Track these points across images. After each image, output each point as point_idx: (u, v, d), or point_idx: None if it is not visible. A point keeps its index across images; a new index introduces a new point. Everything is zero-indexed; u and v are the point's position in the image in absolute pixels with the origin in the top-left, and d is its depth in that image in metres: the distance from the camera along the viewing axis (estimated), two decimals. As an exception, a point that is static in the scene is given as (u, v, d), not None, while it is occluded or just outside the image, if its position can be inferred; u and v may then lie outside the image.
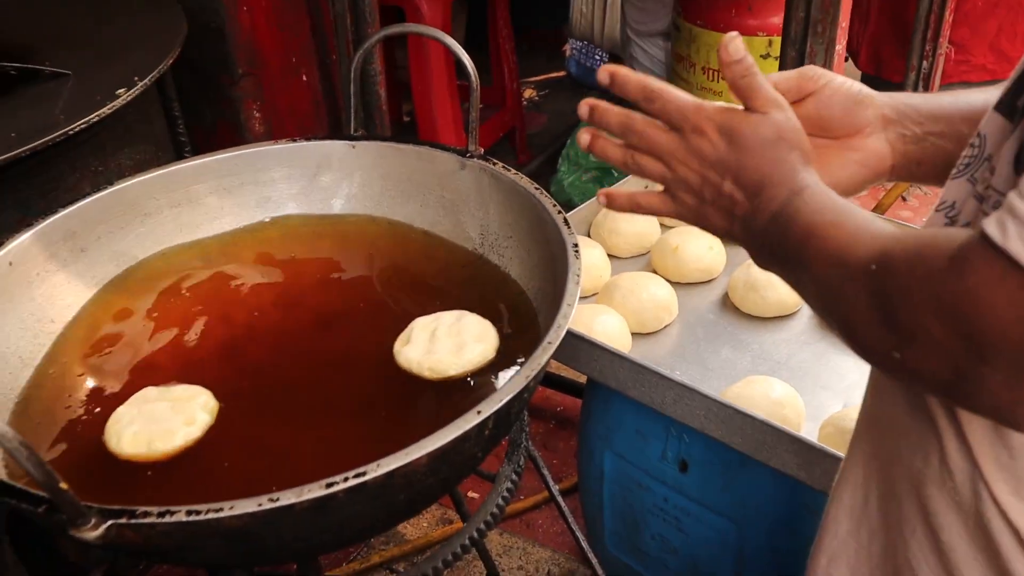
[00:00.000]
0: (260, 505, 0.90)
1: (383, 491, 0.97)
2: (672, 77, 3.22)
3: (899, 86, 3.47)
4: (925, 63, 3.37)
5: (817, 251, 0.83)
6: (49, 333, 1.36)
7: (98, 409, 1.24)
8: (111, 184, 1.46)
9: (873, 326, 0.77)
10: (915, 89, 3.45)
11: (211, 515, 0.90)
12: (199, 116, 2.30)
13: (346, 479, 0.92)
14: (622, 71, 0.95)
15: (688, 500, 1.65)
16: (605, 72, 0.94)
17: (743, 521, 1.60)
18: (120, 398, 1.24)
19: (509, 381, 1.03)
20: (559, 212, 1.31)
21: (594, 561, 1.59)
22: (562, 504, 1.53)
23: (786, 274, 0.92)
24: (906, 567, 0.93)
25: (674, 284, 1.74)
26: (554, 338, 1.09)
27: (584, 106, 0.96)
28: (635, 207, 1.01)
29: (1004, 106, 0.81)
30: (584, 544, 1.59)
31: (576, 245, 1.24)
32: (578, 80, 4.45)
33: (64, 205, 1.41)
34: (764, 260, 0.94)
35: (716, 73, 2.97)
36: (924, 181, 1.11)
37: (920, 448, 0.88)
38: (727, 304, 1.74)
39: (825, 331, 1.67)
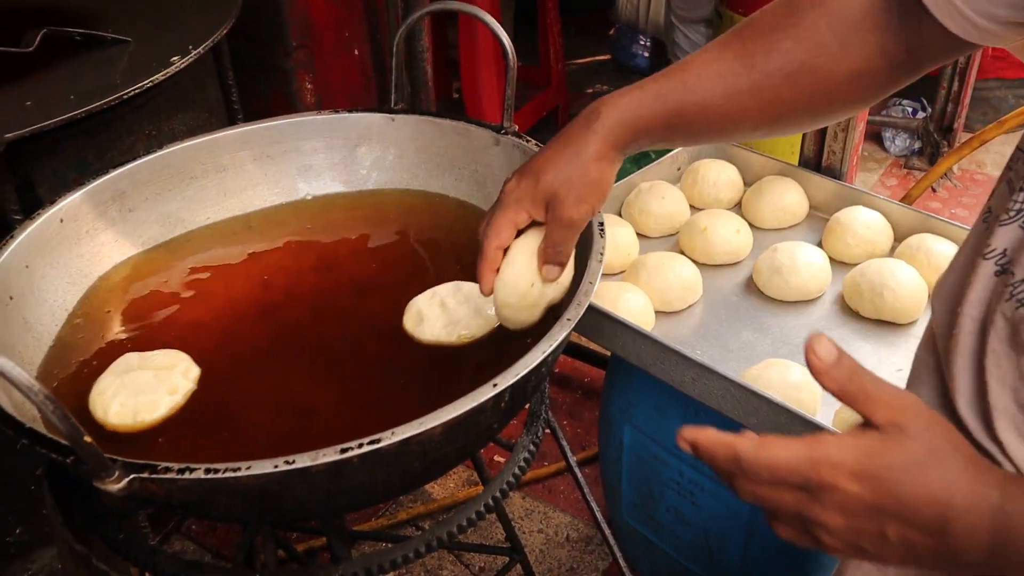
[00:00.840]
0: (276, 467, 0.87)
1: (397, 458, 0.95)
2: (712, 63, 3.14)
3: (935, 79, 3.39)
4: (962, 59, 3.26)
5: None
6: (94, 288, 1.35)
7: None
8: (161, 148, 1.44)
9: None
10: (950, 83, 3.36)
11: (228, 474, 0.87)
12: (254, 85, 2.27)
13: (360, 445, 0.89)
14: (704, 438, 0.75)
15: (703, 476, 1.62)
16: (684, 442, 0.76)
17: (755, 499, 1.56)
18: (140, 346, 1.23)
19: (527, 355, 1.00)
20: (588, 190, 1.27)
21: (606, 530, 1.55)
22: (579, 475, 1.50)
23: None
24: None
25: (700, 265, 1.70)
26: (573, 315, 1.06)
27: (683, 442, 0.77)
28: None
29: None
30: (598, 514, 1.55)
31: (602, 224, 1.20)
32: (622, 63, 4.38)
33: (116, 166, 1.39)
34: None
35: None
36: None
37: None
38: (751, 287, 1.69)
39: (846, 316, 1.62)
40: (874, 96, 0.97)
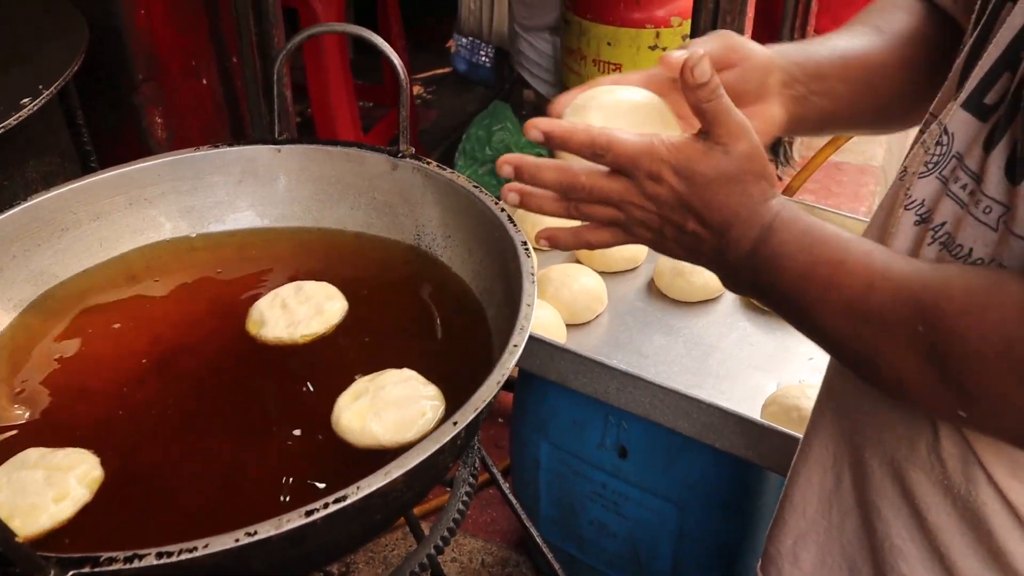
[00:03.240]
0: (237, 540, 0.80)
1: (361, 512, 0.88)
2: (563, 70, 3.17)
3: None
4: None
5: (822, 298, 0.77)
6: (-33, 365, 1.21)
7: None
8: (22, 199, 1.31)
9: (931, 386, 0.71)
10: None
11: (184, 556, 0.79)
12: (100, 123, 2.12)
13: (326, 505, 0.82)
14: (559, 126, 0.83)
15: (627, 485, 1.61)
16: (536, 130, 0.83)
17: (683, 503, 1.56)
18: (37, 431, 1.11)
19: (481, 388, 0.95)
20: (502, 210, 1.23)
21: (540, 542, 1.50)
22: (511, 497, 1.45)
23: (773, 306, 0.85)
24: (886, 546, 0.89)
25: (600, 273, 1.69)
26: (519, 340, 1.01)
27: (506, 165, 0.85)
28: (583, 244, 0.90)
29: (971, 104, 0.77)
30: (532, 528, 1.50)
31: (525, 243, 1.17)
32: (465, 76, 4.37)
33: (-28, 224, 1.26)
34: (741, 288, 0.88)
35: (607, 65, 2.93)
36: (799, 134, 1.11)
37: (905, 436, 0.85)
38: (653, 290, 1.69)
39: (749, 312, 1.64)
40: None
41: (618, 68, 2.90)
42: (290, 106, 2.27)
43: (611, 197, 0.83)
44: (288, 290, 1.27)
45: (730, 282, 0.87)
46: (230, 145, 1.44)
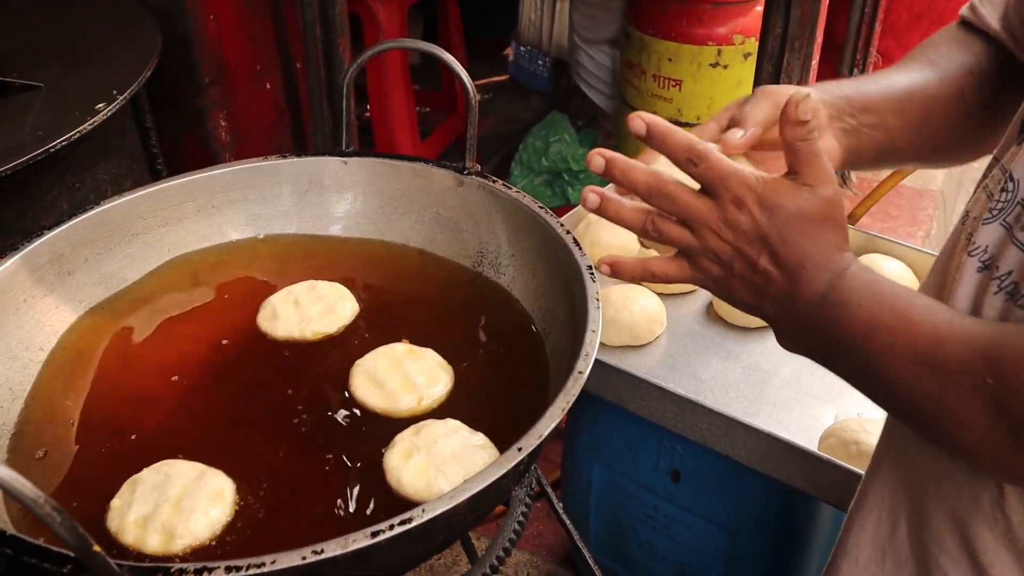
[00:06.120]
0: (304, 558, 0.81)
1: (424, 535, 0.89)
2: (622, 84, 3.17)
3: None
4: (856, 70, 3.37)
5: (889, 348, 0.76)
6: (37, 362, 1.24)
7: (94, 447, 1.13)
8: (97, 203, 1.33)
9: (996, 441, 0.70)
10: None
11: (252, 571, 0.80)
12: (166, 125, 2.16)
13: (391, 527, 0.83)
14: (661, 122, 0.83)
15: (680, 509, 1.60)
16: (640, 122, 0.83)
17: (735, 529, 1.55)
18: (108, 429, 1.13)
19: (546, 414, 0.96)
20: (567, 232, 1.23)
21: (592, 563, 1.50)
22: (565, 518, 1.45)
23: (833, 361, 0.84)
24: None
25: (658, 295, 1.68)
26: (584, 367, 1.02)
27: (598, 158, 0.85)
28: (647, 275, 0.90)
29: None
30: (584, 549, 1.50)
31: (591, 267, 1.17)
32: (521, 84, 4.38)
33: (49, 226, 1.27)
34: (800, 342, 0.86)
35: (667, 80, 2.92)
36: (857, 168, 1.10)
37: (967, 488, 0.83)
38: (711, 314, 1.69)
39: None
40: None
41: (678, 85, 2.90)
42: (353, 113, 2.29)
43: (691, 214, 0.82)
44: (301, 288, 1.32)
45: (791, 331, 0.86)
46: (297, 155, 1.45)
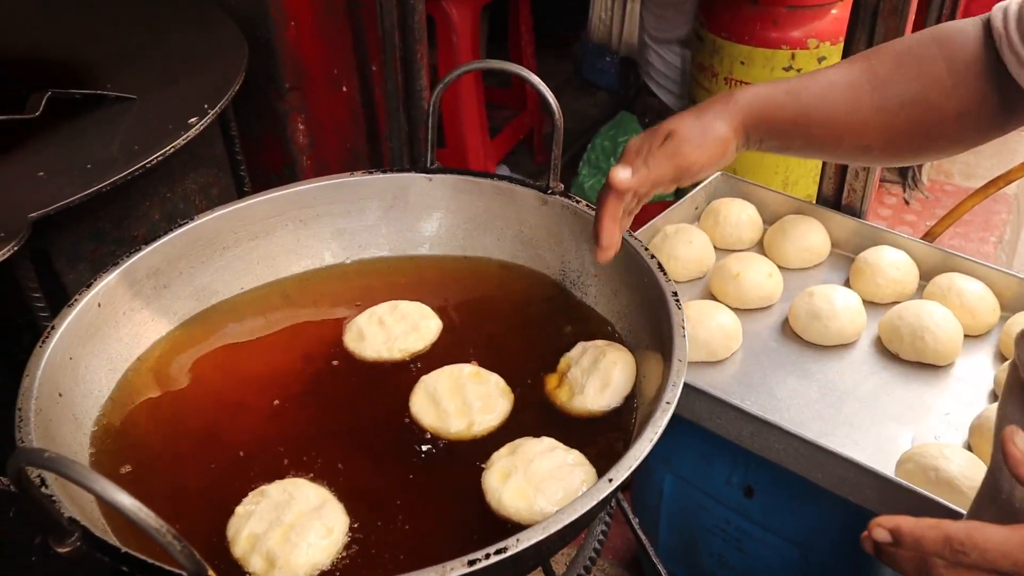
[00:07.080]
0: (404, 587, 0.84)
1: (516, 562, 0.92)
2: (693, 86, 3.15)
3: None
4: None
5: None
6: (135, 372, 1.29)
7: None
8: (190, 218, 1.37)
9: None
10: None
11: (357, 597, 0.84)
12: (246, 129, 2.21)
13: (488, 556, 0.86)
14: (906, 521, 0.76)
15: (752, 523, 1.61)
16: (882, 529, 0.78)
17: (808, 546, 1.56)
18: (204, 440, 1.18)
19: (635, 446, 0.98)
20: (652, 256, 1.25)
21: (663, 571, 1.52)
22: (637, 528, 1.47)
23: None
24: None
25: (733, 310, 1.69)
26: (671, 397, 1.04)
27: (882, 531, 0.79)
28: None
29: None
30: (655, 557, 1.52)
31: (676, 293, 1.18)
32: (588, 80, 4.37)
33: (145, 239, 1.32)
34: None
35: (739, 84, 2.91)
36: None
37: None
38: (787, 331, 1.69)
39: (885, 360, 1.62)
40: (969, 141, 1.07)
41: (750, 87, 2.87)
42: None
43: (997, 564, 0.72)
44: (384, 308, 1.35)
45: None
46: (383, 171, 1.48)
